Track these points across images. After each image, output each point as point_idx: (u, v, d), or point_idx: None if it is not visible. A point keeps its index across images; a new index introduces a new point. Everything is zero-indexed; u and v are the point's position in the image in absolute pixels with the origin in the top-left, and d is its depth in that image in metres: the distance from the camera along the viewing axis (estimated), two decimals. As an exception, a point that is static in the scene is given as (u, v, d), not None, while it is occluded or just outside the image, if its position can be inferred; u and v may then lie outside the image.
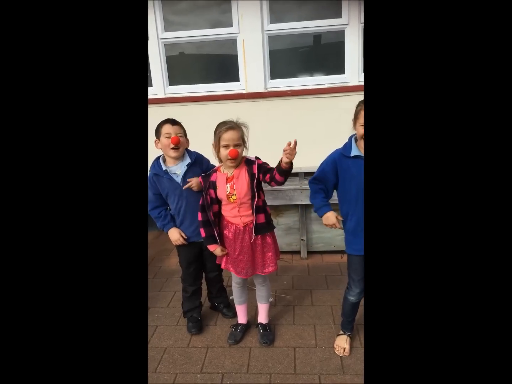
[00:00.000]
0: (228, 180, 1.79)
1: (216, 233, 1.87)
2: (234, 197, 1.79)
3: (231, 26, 3.08)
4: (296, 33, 3.08)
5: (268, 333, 2.04)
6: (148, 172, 1.97)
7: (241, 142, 1.75)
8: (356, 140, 1.68)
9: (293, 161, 1.61)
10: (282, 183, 1.73)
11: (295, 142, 1.56)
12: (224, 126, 1.72)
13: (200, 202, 1.87)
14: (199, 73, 3.41)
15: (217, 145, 1.76)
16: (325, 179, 1.75)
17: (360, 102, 1.63)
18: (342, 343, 1.93)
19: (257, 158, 1.82)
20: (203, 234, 1.89)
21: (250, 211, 1.81)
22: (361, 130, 1.59)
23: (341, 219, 1.74)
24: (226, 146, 1.72)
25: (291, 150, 1.56)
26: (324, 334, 2.06)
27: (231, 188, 1.78)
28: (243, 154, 1.80)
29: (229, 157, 1.71)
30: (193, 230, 2.01)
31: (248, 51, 3.09)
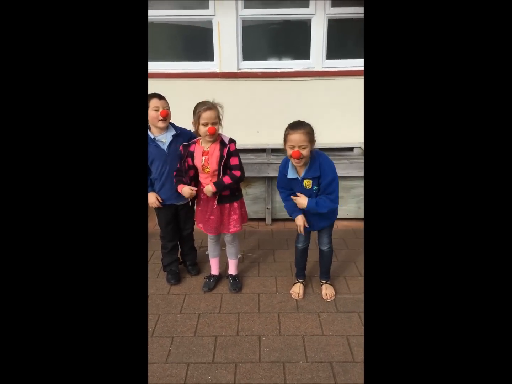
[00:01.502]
0: (204, 153, 2.10)
1: (185, 181, 2.15)
2: (207, 169, 2.11)
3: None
4: (267, 19, 3.33)
5: (237, 282, 2.42)
6: None
7: (218, 120, 2.05)
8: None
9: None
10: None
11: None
12: (203, 106, 2.02)
13: (178, 166, 2.18)
14: (173, 49, 3.56)
15: (196, 123, 2.06)
16: (286, 184, 2.15)
17: (287, 127, 1.96)
18: (297, 289, 2.35)
19: (231, 141, 2.10)
20: (174, 180, 2.19)
21: None
22: (289, 151, 1.94)
23: (307, 226, 2.11)
24: (205, 124, 2.01)
25: None
26: (284, 283, 2.47)
27: (206, 161, 2.10)
28: (219, 131, 2.11)
29: (208, 133, 2.01)
30: (172, 193, 2.30)
31: (223, 33, 3.32)
